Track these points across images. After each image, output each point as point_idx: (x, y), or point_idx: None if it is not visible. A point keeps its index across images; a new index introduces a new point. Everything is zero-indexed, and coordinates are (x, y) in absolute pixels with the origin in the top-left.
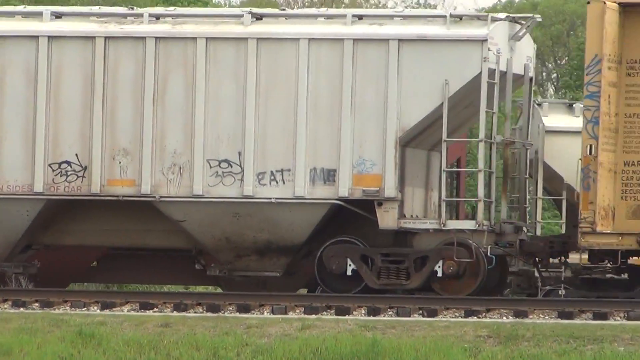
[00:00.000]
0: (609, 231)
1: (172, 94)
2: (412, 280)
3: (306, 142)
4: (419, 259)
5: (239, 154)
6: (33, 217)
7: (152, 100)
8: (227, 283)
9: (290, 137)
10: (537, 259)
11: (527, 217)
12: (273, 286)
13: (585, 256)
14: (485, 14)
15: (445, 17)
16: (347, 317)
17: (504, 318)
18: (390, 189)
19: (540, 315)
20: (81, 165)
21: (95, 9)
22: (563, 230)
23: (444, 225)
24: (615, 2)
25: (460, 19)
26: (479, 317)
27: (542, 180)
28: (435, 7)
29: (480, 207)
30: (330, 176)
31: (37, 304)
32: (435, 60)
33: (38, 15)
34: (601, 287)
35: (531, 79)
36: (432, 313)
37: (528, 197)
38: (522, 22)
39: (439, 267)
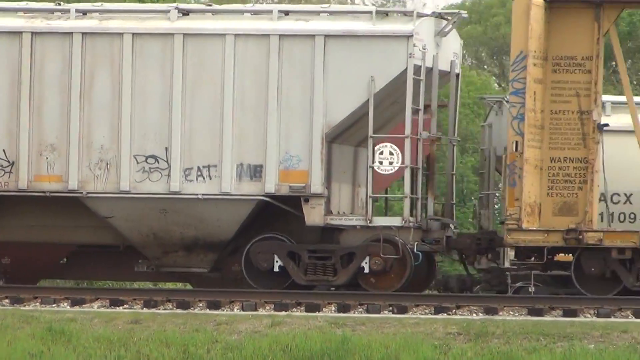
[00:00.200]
0: (535, 228)
1: (99, 89)
2: (339, 276)
3: (232, 138)
4: (346, 255)
5: (166, 149)
6: None
7: (79, 96)
8: (196, 280)
9: (216, 133)
10: (463, 256)
11: (454, 213)
12: (201, 282)
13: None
14: (411, 9)
15: (371, 12)
16: (317, 314)
17: (474, 315)
18: (316, 185)
19: (510, 312)
20: (9, 161)
21: (23, 4)
22: None
23: (370, 222)
24: None
25: (387, 14)
26: (449, 314)
27: None
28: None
29: (406, 203)
30: (256, 172)
31: (7, 300)
32: (362, 56)
33: None
34: (571, 284)
35: (458, 75)
36: (402, 310)
37: (498, 193)
38: (449, 18)
39: (366, 263)
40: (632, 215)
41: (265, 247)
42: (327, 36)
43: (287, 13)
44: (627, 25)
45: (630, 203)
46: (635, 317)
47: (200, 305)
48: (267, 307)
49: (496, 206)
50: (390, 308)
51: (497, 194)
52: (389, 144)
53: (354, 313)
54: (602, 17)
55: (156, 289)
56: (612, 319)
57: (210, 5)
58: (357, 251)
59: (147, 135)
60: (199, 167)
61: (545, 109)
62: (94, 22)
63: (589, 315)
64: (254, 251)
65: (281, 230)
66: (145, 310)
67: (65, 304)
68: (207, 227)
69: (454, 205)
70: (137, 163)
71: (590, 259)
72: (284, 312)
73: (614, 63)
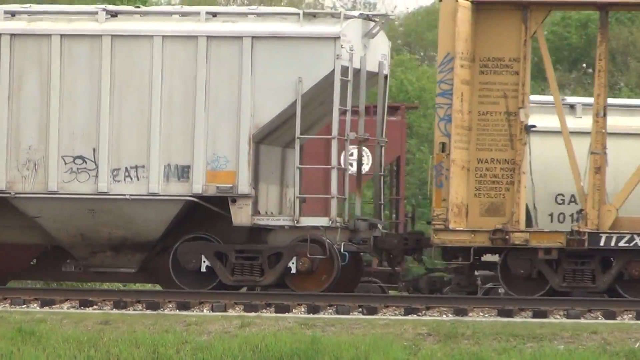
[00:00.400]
0: (461, 228)
1: (27, 90)
2: (266, 276)
3: (160, 138)
4: (273, 256)
5: (94, 150)
6: None
7: (7, 97)
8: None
9: (144, 134)
10: (390, 256)
11: (382, 213)
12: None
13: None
14: (339, 11)
15: (298, 14)
16: (286, 314)
17: (444, 316)
18: (244, 185)
19: (480, 314)
20: None
21: None
22: None
23: (297, 222)
24: (468, 0)
25: (314, 16)
26: (419, 315)
27: None
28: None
29: (333, 204)
30: (184, 173)
31: None
32: (289, 58)
33: None
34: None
35: (386, 76)
36: (372, 311)
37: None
38: (376, 19)
39: (293, 263)
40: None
41: (192, 247)
42: (255, 38)
43: (215, 14)
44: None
45: None
46: (605, 318)
47: (170, 306)
48: (237, 308)
49: None
50: (360, 309)
51: None
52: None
53: (324, 314)
54: (530, 18)
55: (126, 290)
56: (582, 320)
57: (139, 7)
58: (285, 251)
59: (75, 136)
60: (126, 168)
61: (472, 110)
62: (23, 23)
63: (558, 317)
64: (182, 251)
65: (209, 231)
66: (114, 311)
67: (35, 304)
68: (135, 227)
69: (382, 206)
70: (65, 164)
71: (516, 259)
72: (253, 313)
73: (584, 65)
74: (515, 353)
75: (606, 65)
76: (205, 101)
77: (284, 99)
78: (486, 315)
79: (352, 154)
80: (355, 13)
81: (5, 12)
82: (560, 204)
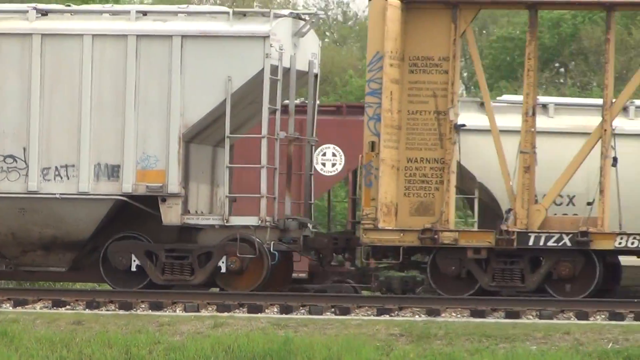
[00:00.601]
0: (391, 228)
1: None
2: (196, 275)
3: (90, 138)
4: (203, 255)
5: (24, 149)
6: None
7: None
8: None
9: (74, 133)
10: (320, 255)
11: (312, 213)
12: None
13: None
14: (268, 10)
15: (228, 13)
16: (259, 315)
17: (417, 316)
18: (173, 184)
19: (453, 314)
20: None
21: None
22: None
23: (227, 221)
24: None
25: (245, 15)
26: (391, 316)
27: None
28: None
29: (263, 203)
30: (114, 172)
31: None
32: (219, 57)
33: None
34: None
35: (316, 75)
36: (345, 311)
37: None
38: (307, 18)
39: (223, 262)
40: None
41: (122, 246)
42: (185, 36)
43: (145, 13)
44: (570, 27)
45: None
46: (578, 319)
47: (143, 306)
48: (210, 308)
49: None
50: (333, 309)
51: None
52: (332, 146)
53: (297, 314)
54: (459, 17)
55: (99, 290)
56: (555, 321)
57: (69, 6)
58: (214, 250)
59: (6, 135)
60: (57, 167)
61: (402, 109)
62: None
63: (531, 317)
64: (112, 250)
65: (139, 230)
66: (87, 311)
67: (8, 304)
68: (65, 226)
69: (312, 205)
70: None
71: (445, 258)
72: (226, 313)
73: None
74: (487, 354)
75: (536, 65)
76: (135, 100)
77: (213, 98)
78: (459, 315)
79: (324, 154)
80: (285, 12)
81: None
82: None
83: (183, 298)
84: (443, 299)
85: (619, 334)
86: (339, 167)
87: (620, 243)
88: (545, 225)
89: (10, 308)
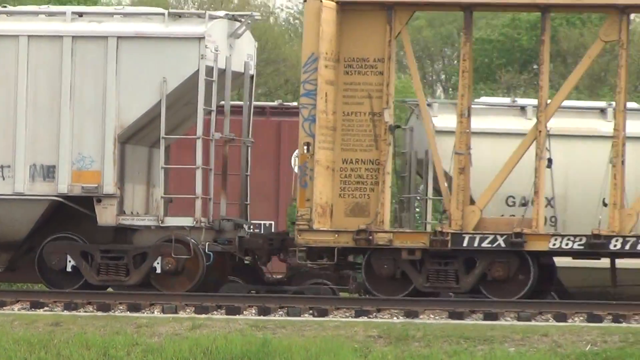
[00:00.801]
0: (325, 228)
1: None
2: (131, 276)
3: (26, 138)
4: (139, 256)
5: None
6: None
7: None
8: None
9: (10, 134)
10: (256, 256)
11: (248, 214)
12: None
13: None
14: (204, 11)
15: (164, 14)
16: (237, 316)
17: (395, 318)
18: (108, 185)
19: (431, 316)
20: None
21: None
22: None
23: (162, 222)
24: (332, 1)
25: (180, 16)
26: (370, 317)
27: (432, 181)
28: None
29: (198, 204)
30: (50, 172)
31: None
32: (154, 58)
33: None
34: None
35: (252, 76)
36: (323, 313)
37: (419, 196)
38: (242, 19)
39: (158, 263)
40: None
41: (58, 246)
42: (120, 38)
43: (81, 15)
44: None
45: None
46: (556, 321)
47: (121, 307)
48: (188, 310)
49: (417, 209)
50: (311, 311)
51: (418, 197)
52: None
53: (275, 316)
54: (394, 19)
55: (77, 292)
56: (533, 323)
57: (5, 7)
58: (150, 251)
59: None
60: None
61: (337, 110)
62: None
63: (509, 319)
64: (48, 251)
65: (75, 230)
66: (65, 312)
67: None
68: (0, 227)
69: (248, 206)
70: None
71: (380, 259)
72: (204, 314)
73: (535, 66)
74: (466, 355)
75: (470, 66)
76: (70, 101)
77: (149, 99)
78: (437, 317)
79: None
80: (221, 13)
81: None
82: (511, 206)
83: (161, 299)
84: (421, 300)
85: (597, 335)
86: None
87: (554, 244)
88: (480, 226)
89: None
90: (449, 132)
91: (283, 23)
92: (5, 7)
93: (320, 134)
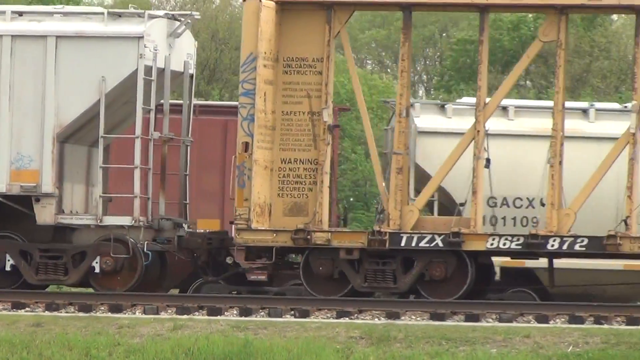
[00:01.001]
0: (264, 228)
1: None
2: (70, 275)
3: None
4: (78, 255)
5: None
6: None
7: None
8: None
9: None
10: (195, 255)
11: (187, 213)
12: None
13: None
14: (143, 11)
15: (103, 14)
16: (219, 317)
17: (376, 319)
18: (47, 184)
19: (413, 317)
20: None
21: None
22: None
23: (100, 221)
24: (271, 0)
25: (120, 16)
26: (351, 318)
27: (414, 181)
28: None
29: (136, 203)
30: None
31: None
32: (93, 57)
33: None
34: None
35: (192, 75)
36: (304, 314)
37: None
38: (182, 19)
39: (97, 262)
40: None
41: None
42: (59, 37)
43: (21, 14)
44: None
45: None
46: (538, 322)
47: (102, 308)
48: (169, 311)
49: None
50: (292, 312)
51: None
52: None
53: (256, 317)
54: (333, 19)
55: (58, 292)
56: (514, 324)
57: None
58: (88, 250)
59: None
60: None
61: (276, 110)
62: None
63: (491, 320)
64: None
65: (14, 229)
66: (47, 313)
67: None
68: None
69: (187, 205)
70: None
71: (318, 259)
72: (186, 315)
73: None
74: (447, 356)
75: (409, 66)
76: (9, 100)
77: (87, 98)
78: (419, 318)
79: None
80: (160, 13)
81: None
82: (492, 207)
83: (143, 300)
84: (403, 302)
85: (579, 337)
86: None
87: (492, 244)
88: (419, 226)
89: None
90: (431, 133)
91: None
92: None
93: (258, 133)
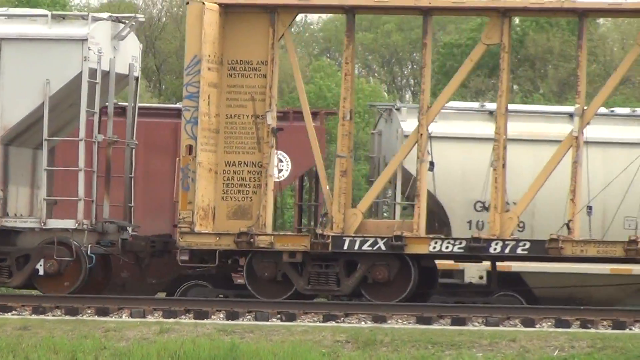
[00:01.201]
0: (207, 231)
1: None
2: (14, 278)
3: None
4: (22, 257)
5: None
6: None
7: None
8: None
9: None
10: (139, 258)
11: (132, 216)
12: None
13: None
14: (87, 13)
15: (47, 16)
16: (205, 321)
17: (363, 323)
18: None
19: (399, 321)
20: None
21: None
22: None
23: (44, 224)
24: (215, 3)
25: (64, 18)
26: (338, 322)
27: (401, 185)
28: None
29: (80, 206)
30: None
31: None
32: (37, 60)
33: None
34: (460, 292)
35: (137, 78)
36: (291, 317)
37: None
38: (126, 21)
39: (40, 265)
40: None
41: None
42: (3, 39)
43: None
44: (517, 34)
45: None
46: (524, 326)
47: (89, 311)
48: (156, 314)
49: (385, 214)
50: (279, 316)
51: (386, 202)
52: (278, 151)
53: (243, 320)
54: (277, 22)
55: (45, 296)
56: (501, 328)
57: None
58: (32, 253)
59: None
60: None
61: (220, 113)
62: None
63: (477, 324)
64: None
65: None
66: (33, 316)
67: None
68: None
69: (132, 208)
70: None
71: (262, 262)
72: (172, 319)
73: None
74: None
75: (353, 69)
76: None
77: (32, 101)
78: (405, 322)
79: (281, 160)
80: (104, 15)
81: None
82: (479, 211)
83: (129, 304)
84: (389, 305)
85: (565, 341)
86: (286, 173)
87: (434, 247)
88: (362, 229)
89: None
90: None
91: None
92: None
93: (202, 136)
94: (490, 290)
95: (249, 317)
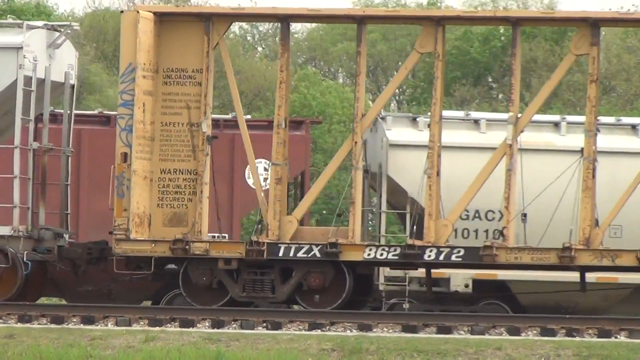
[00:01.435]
0: (143, 238)
1: None
2: None
3: None
4: None
5: None
6: None
7: None
8: (71, 295)
9: None
10: (76, 265)
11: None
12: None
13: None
14: (22, 21)
15: None
16: (191, 329)
17: (348, 331)
18: None
19: (385, 329)
20: None
21: None
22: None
23: None
24: (150, 11)
25: None
26: (323, 330)
27: (387, 194)
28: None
29: (16, 213)
30: None
31: None
32: None
33: None
34: (446, 301)
35: (73, 86)
36: (276, 326)
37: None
38: (62, 30)
39: None
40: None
41: None
42: None
43: None
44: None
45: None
46: (509, 334)
47: (75, 320)
48: (142, 323)
49: (370, 222)
50: (264, 324)
51: (372, 210)
52: (263, 160)
53: (228, 329)
54: (212, 30)
55: (31, 304)
56: (486, 336)
57: None
58: None
59: None
60: None
61: (155, 120)
62: None
63: (463, 332)
64: None
65: None
66: (19, 325)
67: None
68: None
69: (69, 215)
70: None
71: (197, 269)
72: (158, 327)
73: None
74: None
75: (288, 77)
76: None
77: None
78: (390, 330)
79: (265, 169)
80: (40, 23)
81: None
82: (464, 219)
83: (115, 312)
84: (375, 314)
85: (551, 349)
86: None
87: (369, 254)
88: (298, 237)
89: None
90: (403, 146)
91: (237, 35)
92: None
93: (137, 144)
94: (475, 299)
95: (234, 325)
